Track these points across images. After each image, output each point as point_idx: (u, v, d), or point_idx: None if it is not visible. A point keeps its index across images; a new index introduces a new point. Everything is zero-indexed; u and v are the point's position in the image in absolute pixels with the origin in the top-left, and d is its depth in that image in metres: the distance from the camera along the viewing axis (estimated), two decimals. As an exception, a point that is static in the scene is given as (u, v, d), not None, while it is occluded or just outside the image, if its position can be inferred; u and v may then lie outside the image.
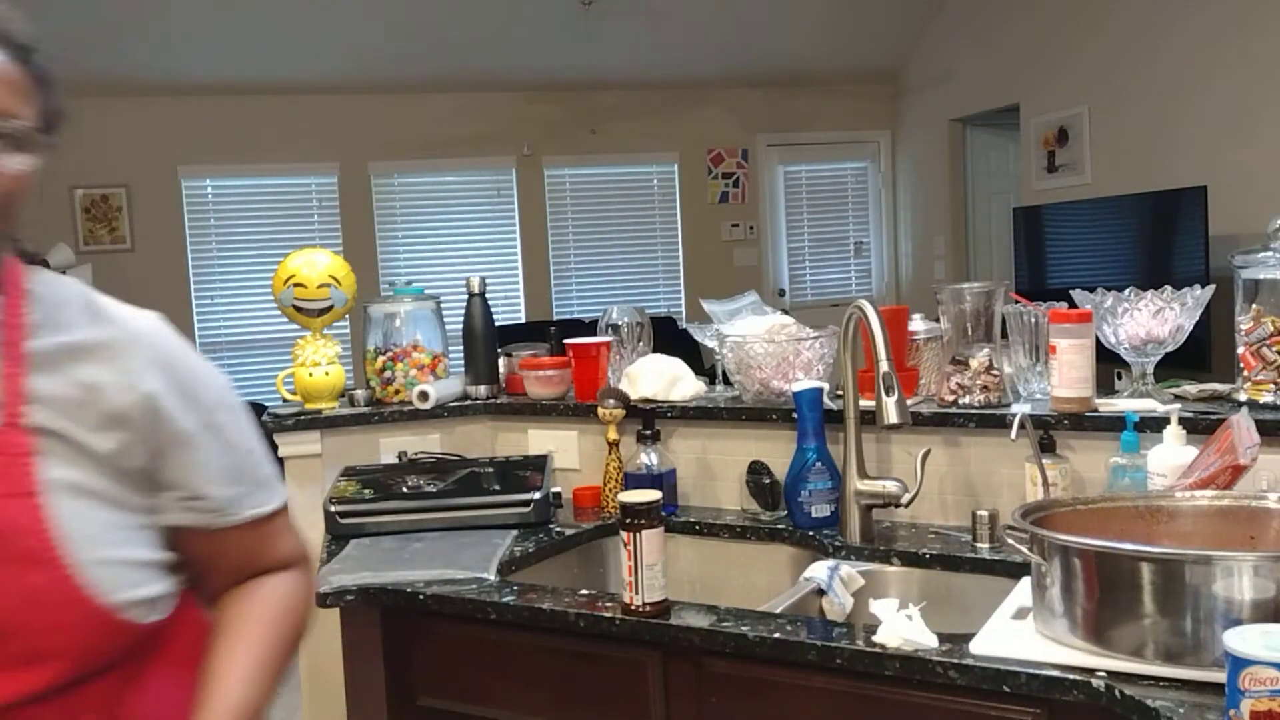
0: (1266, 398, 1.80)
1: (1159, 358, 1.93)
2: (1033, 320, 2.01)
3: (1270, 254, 1.80)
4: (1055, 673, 1.31)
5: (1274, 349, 1.79)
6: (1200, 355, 3.51)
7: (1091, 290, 1.96)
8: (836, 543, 1.93)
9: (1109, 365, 2.26)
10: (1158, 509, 1.47)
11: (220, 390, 1.14)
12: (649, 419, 2.20)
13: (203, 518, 1.11)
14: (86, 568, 1.00)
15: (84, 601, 1.00)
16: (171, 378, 1.08)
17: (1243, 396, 1.84)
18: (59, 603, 0.99)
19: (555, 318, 7.21)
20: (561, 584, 1.83)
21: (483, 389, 2.49)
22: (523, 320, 7.22)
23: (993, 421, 1.94)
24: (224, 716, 1.06)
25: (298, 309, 2.45)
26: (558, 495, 2.29)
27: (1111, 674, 1.27)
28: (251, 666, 1.11)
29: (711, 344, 2.32)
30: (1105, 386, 2.00)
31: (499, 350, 2.55)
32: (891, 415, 1.78)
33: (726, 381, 2.31)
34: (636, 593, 1.59)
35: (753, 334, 2.15)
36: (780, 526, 2.06)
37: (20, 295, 1.06)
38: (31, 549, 0.98)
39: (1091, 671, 1.29)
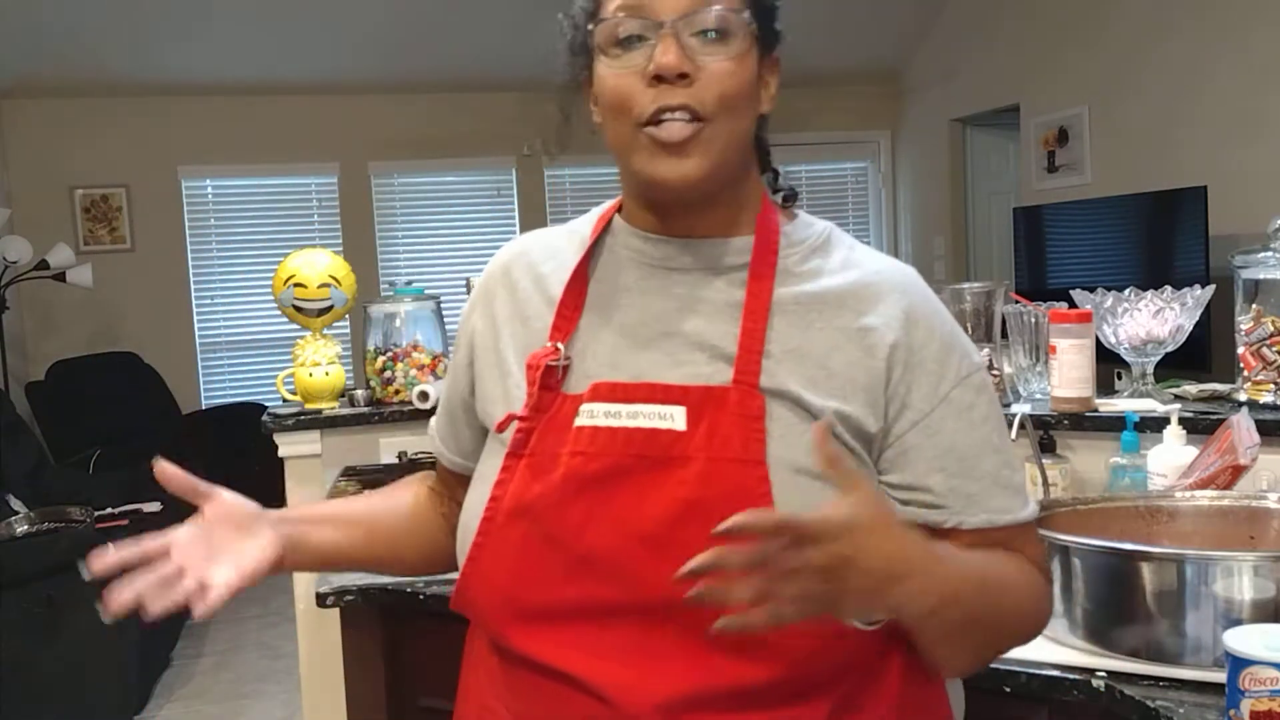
0: (1266, 398, 1.80)
1: (1159, 358, 1.93)
2: (1033, 320, 2.01)
3: (1270, 254, 1.80)
4: (1055, 673, 1.31)
5: (1274, 349, 1.79)
6: (1200, 355, 3.51)
7: (1091, 290, 1.95)
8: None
9: (1109, 365, 2.25)
10: (1158, 509, 1.47)
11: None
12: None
13: (920, 513, 0.95)
14: None
15: None
16: (916, 337, 0.95)
17: (1243, 396, 1.84)
18: None
19: (555, 318, 7.19)
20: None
21: (483, 389, 2.49)
22: (523, 320, 7.20)
23: (993, 421, 1.94)
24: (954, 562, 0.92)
25: (298, 309, 2.45)
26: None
27: (1111, 674, 1.27)
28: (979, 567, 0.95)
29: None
30: (1105, 386, 2.00)
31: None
32: (891, 415, 1.77)
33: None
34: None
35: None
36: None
37: (773, 237, 0.99)
38: None
39: (1091, 671, 1.29)
